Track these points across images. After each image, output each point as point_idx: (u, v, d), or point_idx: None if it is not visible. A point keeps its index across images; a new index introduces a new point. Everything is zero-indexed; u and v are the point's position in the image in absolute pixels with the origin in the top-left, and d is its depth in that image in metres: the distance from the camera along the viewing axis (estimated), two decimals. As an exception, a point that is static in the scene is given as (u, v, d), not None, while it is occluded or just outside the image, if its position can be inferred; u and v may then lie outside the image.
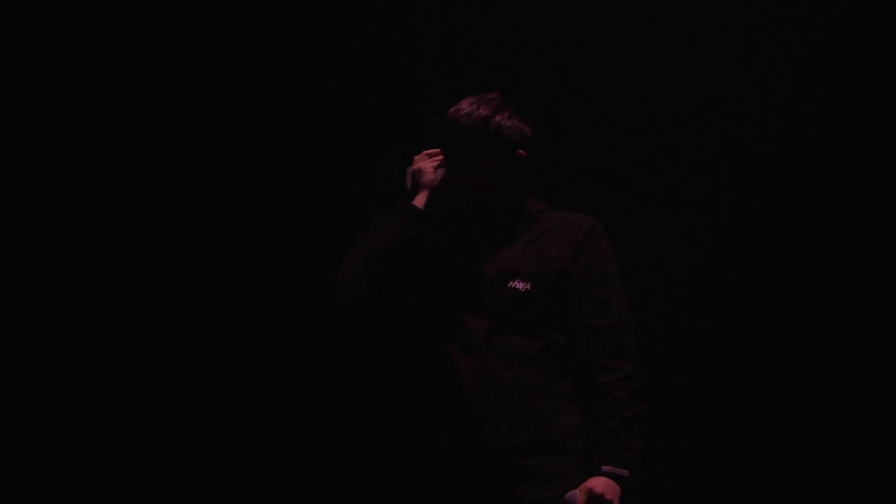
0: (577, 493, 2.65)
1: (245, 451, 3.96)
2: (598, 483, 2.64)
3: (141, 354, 4.03)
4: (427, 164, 2.88)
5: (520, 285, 2.75)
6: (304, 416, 3.94)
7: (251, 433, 3.96)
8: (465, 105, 2.84)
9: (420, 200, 2.86)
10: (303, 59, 4.00)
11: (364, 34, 3.96)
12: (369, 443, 3.86)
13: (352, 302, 2.81)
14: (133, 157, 4.06)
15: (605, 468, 2.65)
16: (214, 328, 4.01)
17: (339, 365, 3.91)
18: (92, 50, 4.04)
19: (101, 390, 4.03)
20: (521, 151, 2.85)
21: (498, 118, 2.82)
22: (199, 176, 4.06)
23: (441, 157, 2.87)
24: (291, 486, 3.95)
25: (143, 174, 4.07)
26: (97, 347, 4.04)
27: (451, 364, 2.77)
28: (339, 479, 3.88)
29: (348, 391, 3.90)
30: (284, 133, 4.02)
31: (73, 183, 4.05)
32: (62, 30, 4.05)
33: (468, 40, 3.89)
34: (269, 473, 3.97)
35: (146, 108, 4.07)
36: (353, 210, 3.79)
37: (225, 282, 4.02)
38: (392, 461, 3.73)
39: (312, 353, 3.94)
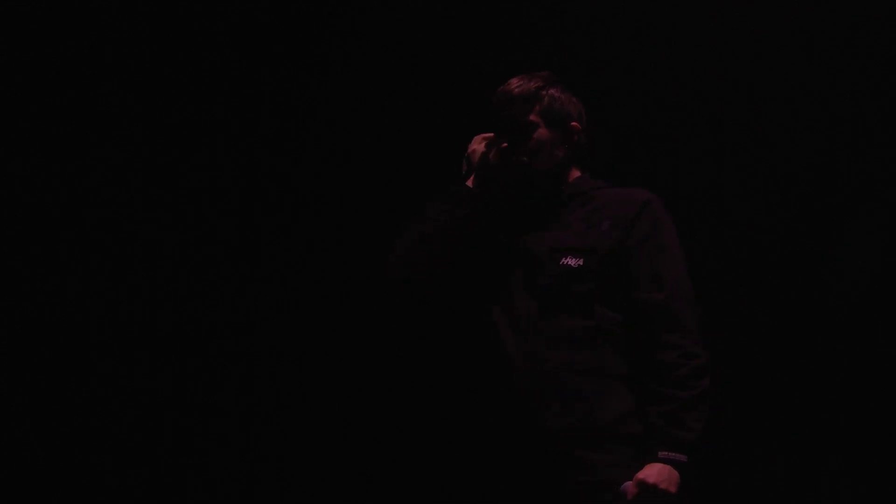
0: (629, 485, 2.53)
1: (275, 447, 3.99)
2: (652, 472, 2.53)
3: (141, 354, 4.00)
4: (480, 145, 2.84)
5: (572, 261, 2.67)
6: (342, 404, 3.93)
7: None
8: (514, 81, 2.80)
9: (472, 182, 2.82)
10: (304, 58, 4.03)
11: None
12: (414, 427, 3.85)
13: (400, 285, 2.77)
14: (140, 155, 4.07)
15: (662, 453, 2.54)
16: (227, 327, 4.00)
17: (379, 349, 3.92)
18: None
19: (103, 391, 3.99)
20: (574, 123, 2.80)
21: (551, 90, 2.79)
22: (198, 175, 4.05)
23: (493, 138, 2.82)
24: (324, 476, 3.93)
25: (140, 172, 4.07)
26: (97, 347, 4.00)
27: (500, 347, 2.69)
28: (379, 464, 3.87)
29: (392, 374, 3.90)
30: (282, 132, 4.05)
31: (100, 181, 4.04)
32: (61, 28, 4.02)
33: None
34: (303, 466, 3.96)
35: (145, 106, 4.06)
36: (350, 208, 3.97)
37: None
38: (436, 446, 3.65)
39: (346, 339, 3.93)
